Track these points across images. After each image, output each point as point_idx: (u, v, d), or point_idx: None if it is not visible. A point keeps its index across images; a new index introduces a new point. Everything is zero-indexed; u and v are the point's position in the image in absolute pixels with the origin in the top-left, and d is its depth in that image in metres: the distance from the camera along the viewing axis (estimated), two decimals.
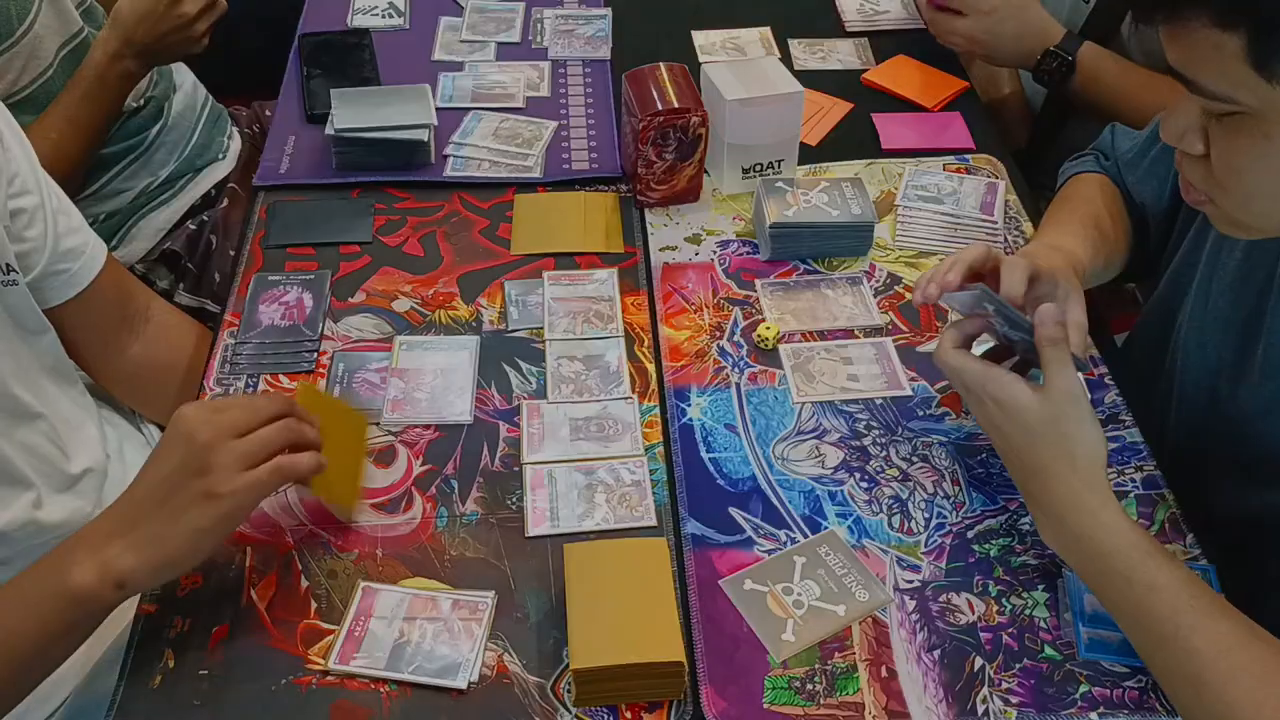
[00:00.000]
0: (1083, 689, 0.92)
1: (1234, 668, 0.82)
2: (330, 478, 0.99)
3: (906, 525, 1.04)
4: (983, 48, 1.55)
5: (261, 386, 1.17)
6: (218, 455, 0.91)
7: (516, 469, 1.09)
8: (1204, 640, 0.84)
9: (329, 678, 0.93)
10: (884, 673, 0.93)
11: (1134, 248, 1.24)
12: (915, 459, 1.10)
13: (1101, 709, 0.91)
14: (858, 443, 1.11)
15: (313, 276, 1.29)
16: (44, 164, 1.14)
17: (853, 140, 1.49)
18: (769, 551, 1.02)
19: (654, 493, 1.06)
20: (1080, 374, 1.01)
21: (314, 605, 0.98)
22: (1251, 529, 1.05)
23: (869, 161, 1.45)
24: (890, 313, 1.25)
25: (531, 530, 1.04)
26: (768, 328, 1.21)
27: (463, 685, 0.92)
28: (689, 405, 1.15)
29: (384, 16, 1.71)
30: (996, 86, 1.82)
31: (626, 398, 1.15)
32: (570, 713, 0.91)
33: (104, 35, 1.44)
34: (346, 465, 1.05)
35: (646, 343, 1.21)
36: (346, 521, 1.04)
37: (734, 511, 1.05)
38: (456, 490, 1.07)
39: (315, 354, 1.20)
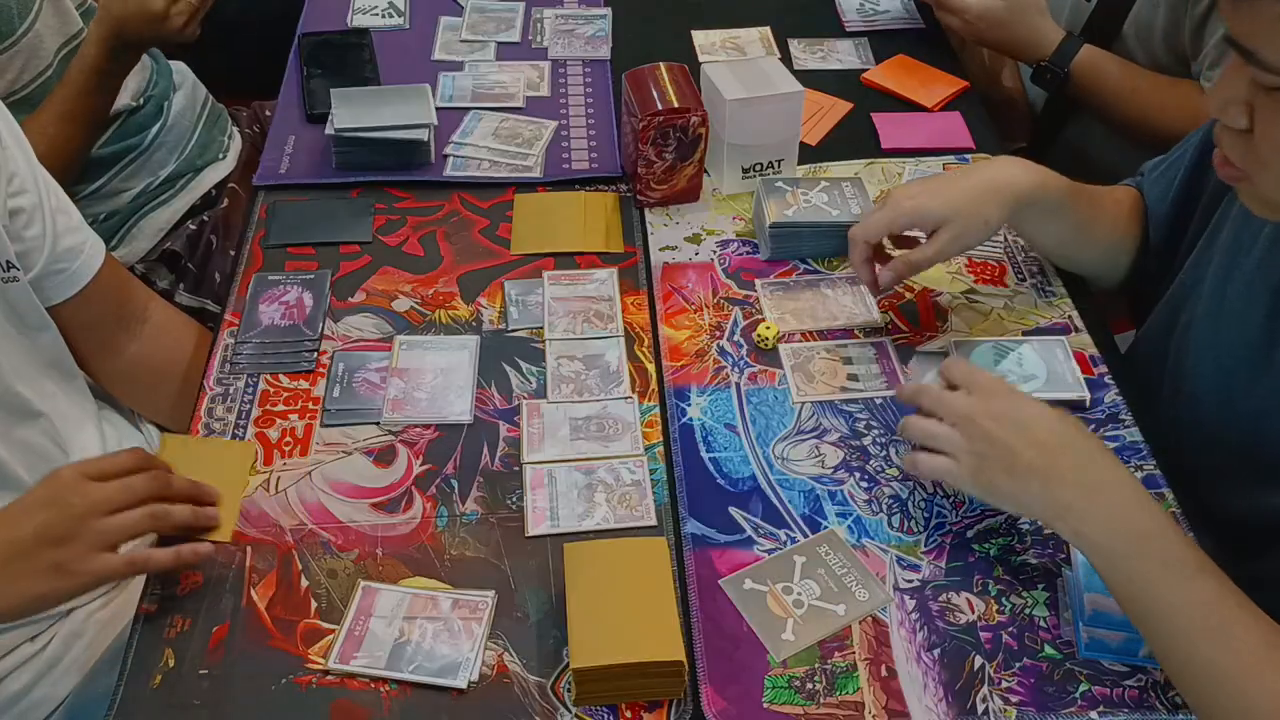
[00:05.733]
0: (1082, 688, 0.92)
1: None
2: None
3: (906, 525, 1.04)
4: (980, 38, 1.56)
5: (262, 386, 1.17)
6: (83, 532, 0.90)
7: (516, 469, 1.09)
8: (1250, 630, 0.83)
9: (329, 677, 0.93)
10: (884, 672, 0.93)
11: (1142, 261, 1.24)
12: None
13: (1101, 708, 0.91)
14: (858, 442, 1.11)
15: (313, 276, 1.29)
16: (41, 161, 1.13)
17: (853, 140, 1.49)
18: (769, 551, 1.02)
19: (654, 492, 1.06)
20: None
21: (314, 605, 0.98)
22: (1259, 529, 1.05)
23: (869, 161, 1.45)
24: (890, 312, 1.25)
25: (531, 530, 1.04)
26: (768, 327, 1.21)
27: (463, 685, 0.92)
28: (689, 405, 1.15)
29: (384, 16, 1.71)
30: (996, 81, 1.82)
31: (626, 397, 1.15)
32: (570, 712, 0.91)
33: (95, 30, 1.43)
34: (221, 499, 1.04)
35: (646, 342, 1.21)
36: (223, 539, 1.02)
37: (734, 511, 1.05)
38: (456, 490, 1.07)
39: (315, 354, 1.20)
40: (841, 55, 1.64)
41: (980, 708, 0.91)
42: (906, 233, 1.18)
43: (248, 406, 1.15)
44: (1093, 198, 1.21)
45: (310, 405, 1.15)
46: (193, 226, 1.64)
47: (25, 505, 0.92)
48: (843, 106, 1.54)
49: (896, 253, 1.19)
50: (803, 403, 1.15)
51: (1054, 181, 1.15)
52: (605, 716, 0.91)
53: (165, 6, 1.41)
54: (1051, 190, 1.15)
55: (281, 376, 1.18)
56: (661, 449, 1.10)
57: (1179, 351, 1.14)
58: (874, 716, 0.91)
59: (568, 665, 0.91)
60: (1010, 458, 0.93)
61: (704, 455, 1.10)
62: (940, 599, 0.98)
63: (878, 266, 1.18)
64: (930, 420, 0.98)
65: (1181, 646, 0.85)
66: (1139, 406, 1.14)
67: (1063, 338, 1.20)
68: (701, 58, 1.60)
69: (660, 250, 1.33)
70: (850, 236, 1.17)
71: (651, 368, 1.18)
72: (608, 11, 1.72)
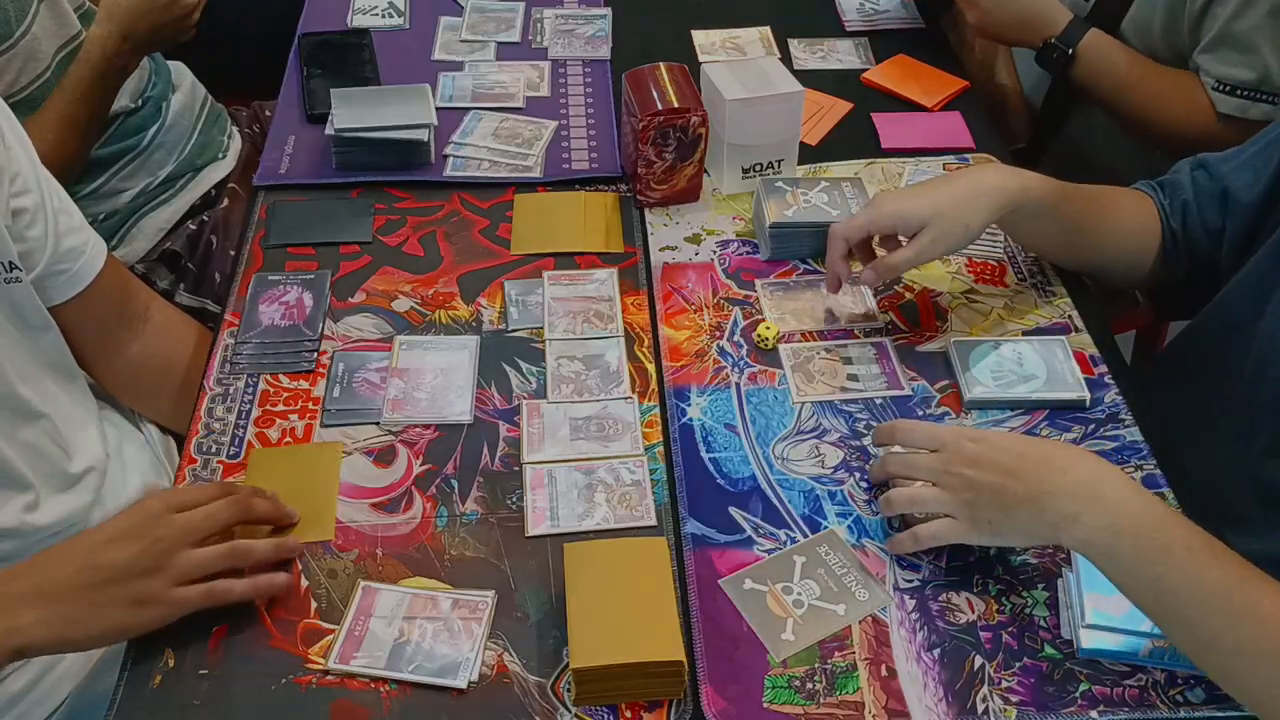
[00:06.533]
0: (1082, 687, 0.92)
1: None
2: (303, 522, 1.03)
3: (906, 525, 1.04)
4: (988, 17, 1.55)
5: (262, 386, 1.17)
6: (167, 565, 0.91)
7: (516, 469, 1.09)
8: (1277, 604, 0.82)
9: (329, 677, 0.93)
10: (884, 672, 0.93)
11: (1163, 264, 1.23)
12: None
13: (1101, 707, 0.91)
14: (857, 442, 1.11)
15: (313, 276, 1.29)
16: (42, 162, 1.13)
17: (853, 140, 1.49)
18: (769, 551, 1.02)
19: (654, 492, 1.06)
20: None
21: (314, 605, 0.98)
22: None
23: (869, 161, 1.45)
24: (890, 312, 1.25)
25: (531, 530, 1.04)
26: (768, 327, 1.21)
27: (463, 685, 0.92)
28: (689, 405, 1.15)
29: (384, 16, 1.71)
30: (993, 77, 1.81)
31: (626, 397, 1.15)
32: (570, 712, 0.91)
33: (101, 32, 1.43)
34: (315, 500, 1.06)
35: (646, 343, 1.21)
36: (327, 538, 1.04)
37: (734, 511, 1.05)
38: (456, 490, 1.07)
39: (315, 354, 1.20)
40: (841, 55, 1.64)
41: (980, 708, 0.91)
42: (898, 235, 1.18)
43: (248, 406, 1.15)
44: (1089, 198, 1.20)
45: (310, 405, 1.15)
46: (193, 226, 1.64)
47: (112, 535, 0.93)
48: (843, 106, 1.54)
49: (880, 252, 1.19)
50: (803, 403, 1.15)
51: (1039, 185, 1.15)
52: (605, 716, 0.91)
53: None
54: (1035, 194, 1.15)
55: (281, 376, 1.18)
56: (661, 449, 1.11)
57: (1252, 352, 1.11)
58: (874, 716, 0.91)
59: (568, 665, 0.91)
60: (998, 494, 0.93)
61: (704, 455, 1.10)
62: (940, 599, 0.98)
63: (857, 267, 1.20)
64: (912, 487, 0.99)
65: (1209, 634, 0.84)
66: (1184, 391, 1.14)
67: (1063, 337, 1.20)
68: (701, 58, 1.61)
69: (660, 250, 1.33)
70: (830, 233, 1.18)
71: (651, 368, 1.18)
72: (608, 11, 1.72)
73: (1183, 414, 1.19)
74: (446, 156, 1.45)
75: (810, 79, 1.53)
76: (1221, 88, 1.41)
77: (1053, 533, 0.91)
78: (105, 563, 0.91)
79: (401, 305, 1.26)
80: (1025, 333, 1.22)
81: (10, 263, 1.06)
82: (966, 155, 1.46)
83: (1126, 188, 1.26)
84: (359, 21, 1.70)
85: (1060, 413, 1.14)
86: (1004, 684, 0.93)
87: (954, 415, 1.14)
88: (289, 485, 1.06)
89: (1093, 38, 1.50)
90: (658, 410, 1.14)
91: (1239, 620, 0.83)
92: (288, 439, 1.11)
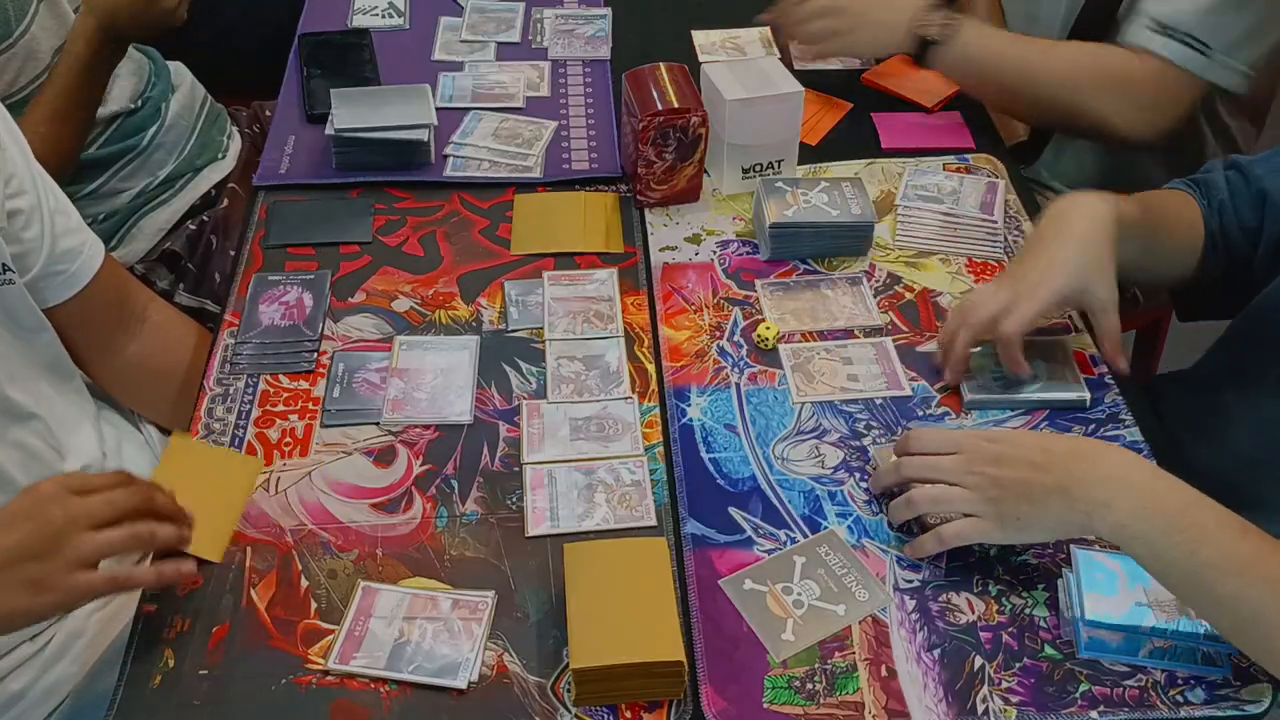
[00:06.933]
0: (1083, 688, 0.92)
1: None
2: (197, 534, 0.98)
3: (906, 525, 1.04)
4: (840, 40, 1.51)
5: (262, 387, 1.17)
6: (64, 547, 0.87)
7: (516, 469, 1.09)
8: None
9: (329, 677, 0.93)
10: (884, 672, 0.93)
11: (1201, 268, 1.23)
12: None
13: (1101, 708, 0.91)
14: (858, 443, 1.11)
15: (313, 276, 1.29)
16: (35, 158, 1.13)
17: (853, 140, 1.49)
18: (769, 551, 1.02)
19: (654, 493, 1.06)
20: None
21: (314, 605, 0.98)
22: None
23: (869, 161, 1.45)
24: (890, 312, 1.25)
25: (531, 530, 1.04)
26: (768, 328, 1.21)
27: (463, 685, 0.92)
28: (689, 405, 1.15)
29: (384, 16, 1.71)
30: None
31: (626, 398, 1.15)
32: (570, 712, 0.91)
33: (82, 23, 1.41)
34: (216, 515, 1.02)
35: (646, 343, 1.21)
36: (214, 559, 1.01)
37: (734, 511, 1.05)
38: (456, 490, 1.07)
39: (315, 354, 1.20)
40: (841, 55, 1.64)
41: (980, 708, 0.91)
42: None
43: (248, 407, 1.15)
44: (1154, 206, 1.19)
45: (310, 405, 1.15)
46: (192, 227, 1.64)
47: (3, 519, 0.89)
48: (843, 106, 1.54)
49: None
50: (803, 403, 1.15)
51: (1124, 206, 1.14)
52: (605, 716, 0.91)
53: None
54: (1127, 216, 1.13)
55: (281, 377, 1.18)
56: (661, 449, 1.10)
57: None
58: (874, 716, 0.91)
59: (568, 665, 0.91)
60: (1025, 488, 0.93)
61: (704, 455, 1.10)
62: (940, 599, 0.98)
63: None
64: (934, 487, 0.99)
65: (1251, 609, 0.85)
66: (1232, 381, 1.15)
67: (1063, 337, 1.20)
68: (701, 58, 1.60)
69: (660, 250, 1.33)
70: (1003, 336, 1.11)
71: (651, 368, 1.18)
72: (608, 11, 1.72)
73: (1206, 414, 1.19)
74: (446, 156, 1.45)
75: (810, 79, 1.53)
76: (1159, 28, 1.38)
77: (1085, 520, 0.91)
78: None
79: (401, 305, 1.26)
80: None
81: (3, 265, 1.06)
82: (966, 155, 1.46)
83: (1169, 190, 1.26)
84: (359, 21, 1.70)
85: (1060, 413, 1.14)
86: (1004, 684, 0.93)
87: (954, 415, 1.14)
88: (198, 487, 1.01)
89: (967, 28, 1.46)
90: (658, 410, 1.14)
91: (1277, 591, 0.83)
92: (288, 439, 1.11)
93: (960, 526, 0.97)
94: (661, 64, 1.37)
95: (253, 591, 0.99)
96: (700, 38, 1.66)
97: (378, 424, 1.13)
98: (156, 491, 0.96)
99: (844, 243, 1.31)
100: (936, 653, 0.95)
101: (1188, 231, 1.22)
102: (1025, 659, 0.94)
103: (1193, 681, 0.92)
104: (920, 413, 1.14)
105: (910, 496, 1.00)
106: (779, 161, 1.40)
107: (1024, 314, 1.10)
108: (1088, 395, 1.14)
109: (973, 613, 0.97)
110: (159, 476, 1.01)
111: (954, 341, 1.14)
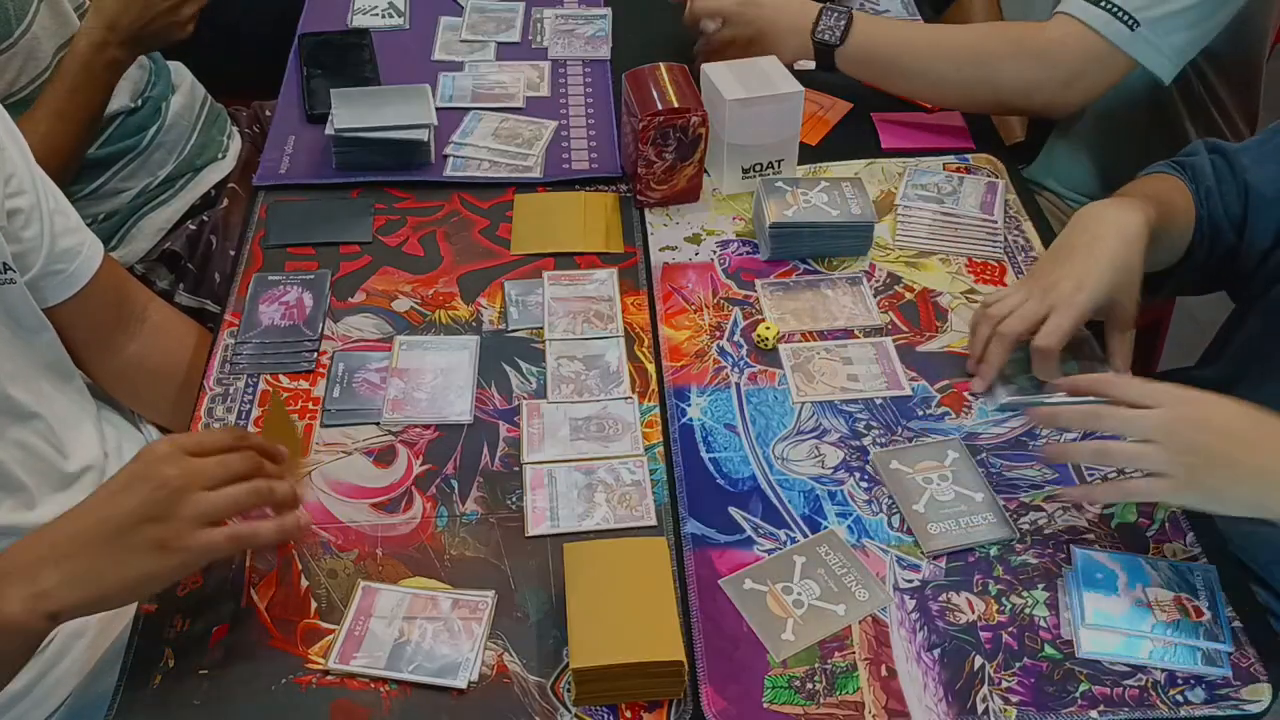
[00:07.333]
0: (1083, 687, 0.92)
1: None
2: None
3: (906, 525, 1.04)
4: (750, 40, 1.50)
5: (261, 386, 1.17)
6: (183, 506, 0.87)
7: (516, 469, 1.09)
8: None
9: (329, 677, 0.93)
10: (884, 672, 0.93)
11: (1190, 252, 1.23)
12: None
13: (1101, 707, 0.91)
14: (858, 442, 1.11)
15: (313, 276, 1.29)
16: (35, 158, 1.13)
17: (853, 140, 1.49)
18: (769, 551, 1.02)
19: (654, 492, 1.06)
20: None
21: (314, 605, 0.98)
22: None
23: (869, 161, 1.45)
24: (890, 312, 1.25)
25: (531, 530, 1.04)
26: (768, 328, 1.21)
27: (463, 685, 0.92)
28: (689, 405, 1.15)
29: (384, 16, 1.71)
30: None
31: (626, 398, 1.15)
32: (570, 712, 0.91)
33: (88, 24, 1.42)
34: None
35: (646, 343, 1.21)
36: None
37: (734, 511, 1.05)
38: (456, 490, 1.07)
39: (315, 354, 1.20)
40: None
41: (980, 708, 0.91)
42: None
43: (248, 407, 1.15)
44: (1160, 199, 1.19)
45: (310, 405, 1.15)
46: (192, 227, 1.64)
47: (120, 482, 0.89)
48: (843, 106, 1.54)
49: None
50: (803, 403, 1.15)
51: (1150, 214, 1.14)
52: (605, 716, 0.91)
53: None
54: (1152, 221, 1.13)
55: (281, 377, 1.18)
56: (661, 449, 1.11)
57: None
58: (874, 716, 0.91)
59: (568, 665, 0.91)
60: (1229, 462, 0.92)
61: (704, 455, 1.10)
62: (940, 599, 0.98)
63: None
64: (1122, 443, 0.96)
65: None
66: (1247, 378, 1.15)
67: (1086, 332, 1.19)
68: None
69: (660, 250, 1.33)
70: (1043, 348, 1.12)
71: (651, 368, 1.18)
72: (608, 11, 1.72)
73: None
74: (446, 156, 1.45)
75: (810, 79, 1.52)
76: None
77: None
78: (118, 511, 0.87)
79: (401, 305, 1.26)
80: None
81: (4, 264, 1.06)
82: (966, 155, 1.46)
83: (1160, 175, 1.25)
84: (359, 21, 1.70)
85: None
86: (1004, 684, 0.93)
87: (954, 415, 1.14)
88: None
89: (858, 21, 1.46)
90: (658, 410, 1.14)
91: None
92: None
93: (1149, 485, 0.94)
94: (661, 64, 1.37)
95: (253, 591, 0.99)
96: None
97: (378, 424, 1.13)
98: (262, 461, 0.95)
99: (844, 243, 1.31)
100: (936, 652, 0.95)
101: (1184, 220, 1.22)
102: (1025, 659, 0.94)
103: (1193, 681, 0.92)
104: (920, 412, 1.14)
105: (1107, 447, 0.97)
106: (779, 161, 1.40)
107: (1062, 326, 1.11)
108: None
109: (973, 612, 0.97)
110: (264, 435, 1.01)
111: (986, 352, 1.14)
